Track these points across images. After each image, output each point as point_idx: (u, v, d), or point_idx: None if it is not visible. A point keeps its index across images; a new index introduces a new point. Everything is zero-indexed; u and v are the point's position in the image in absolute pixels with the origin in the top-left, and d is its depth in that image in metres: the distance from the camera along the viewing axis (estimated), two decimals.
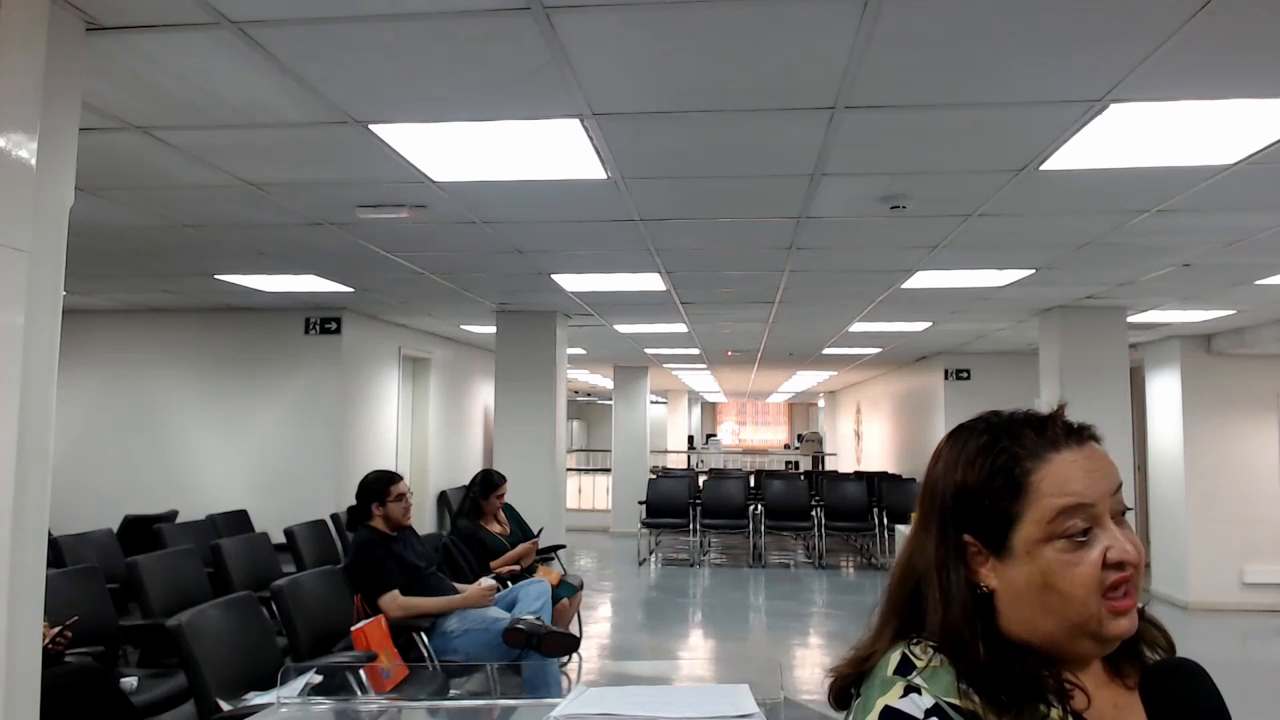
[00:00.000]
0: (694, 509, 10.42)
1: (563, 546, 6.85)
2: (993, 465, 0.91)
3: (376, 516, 4.28)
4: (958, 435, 0.97)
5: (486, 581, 4.36)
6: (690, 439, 23.19)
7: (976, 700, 0.85)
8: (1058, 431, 0.92)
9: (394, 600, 4.04)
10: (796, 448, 24.01)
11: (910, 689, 0.86)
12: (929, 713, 0.84)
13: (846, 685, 0.95)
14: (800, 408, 29.57)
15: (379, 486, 4.31)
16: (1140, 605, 0.93)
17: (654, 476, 11.94)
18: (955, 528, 0.93)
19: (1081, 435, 0.92)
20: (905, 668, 0.89)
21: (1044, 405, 0.97)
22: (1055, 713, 0.87)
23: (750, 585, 9.11)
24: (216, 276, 5.72)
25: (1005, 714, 0.84)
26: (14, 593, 1.88)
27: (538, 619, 4.16)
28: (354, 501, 4.40)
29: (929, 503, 0.96)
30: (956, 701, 0.85)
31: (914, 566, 0.96)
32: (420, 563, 4.30)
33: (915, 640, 0.92)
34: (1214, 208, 3.78)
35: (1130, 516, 0.94)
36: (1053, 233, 4.34)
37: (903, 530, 7.56)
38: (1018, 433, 0.92)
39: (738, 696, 2.01)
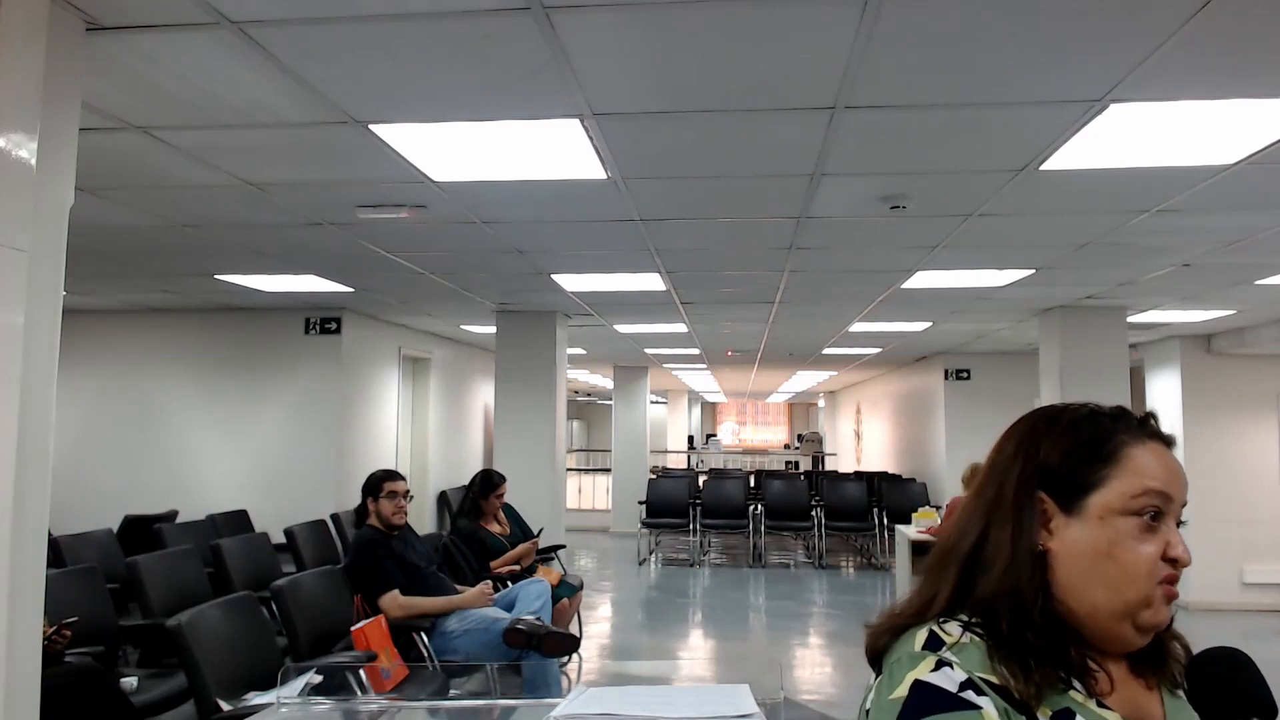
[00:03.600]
0: (694, 509, 10.41)
1: (563, 546, 6.85)
2: (1093, 434, 0.96)
3: (371, 513, 4.32)
4: (1048, 410, 1.01)
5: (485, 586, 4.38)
6: (690, 439, 23.19)
7: (1009, 675, 0.86)
8: (1154, 429, 0.97)
9: (394, 600, 4.05)
10: (796, 448, 24.01)
11: (942, 663, 0.87)
12: (963, 686, 0.84)
13: (891, 641, 0.94)
14: (800, 408, 29.56)
15: (376, 482, 4.37)
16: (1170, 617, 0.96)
17: (654, 476, 11.93)
18: (1035, 485, 0.95)
19: (1170, 443, 0.98)
20: (934, 644, 0.89)
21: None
22: (1077, 693, 0.88)
23: (750, 585, 9.11)
24: (216, 276, 5.72)
25: (1031, 683, 0.85)
26: (14, 593, 1.88)
27: (538, 619, 4.16)
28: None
29: (1006, 463, 0.98)
30: (988, 676, 0.86)
31: (976, 521, 0.97)
32: (420, 562, 4.31)
33: (943, 619, 0.92)
34: (1214, 208, 3.78)
35: None
36: (1053, 233, 4.34)
37: (903, 530, 7.56)
38: (1122, 416, 0.98)
39: (738, 696, 2.01)
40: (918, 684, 0.85)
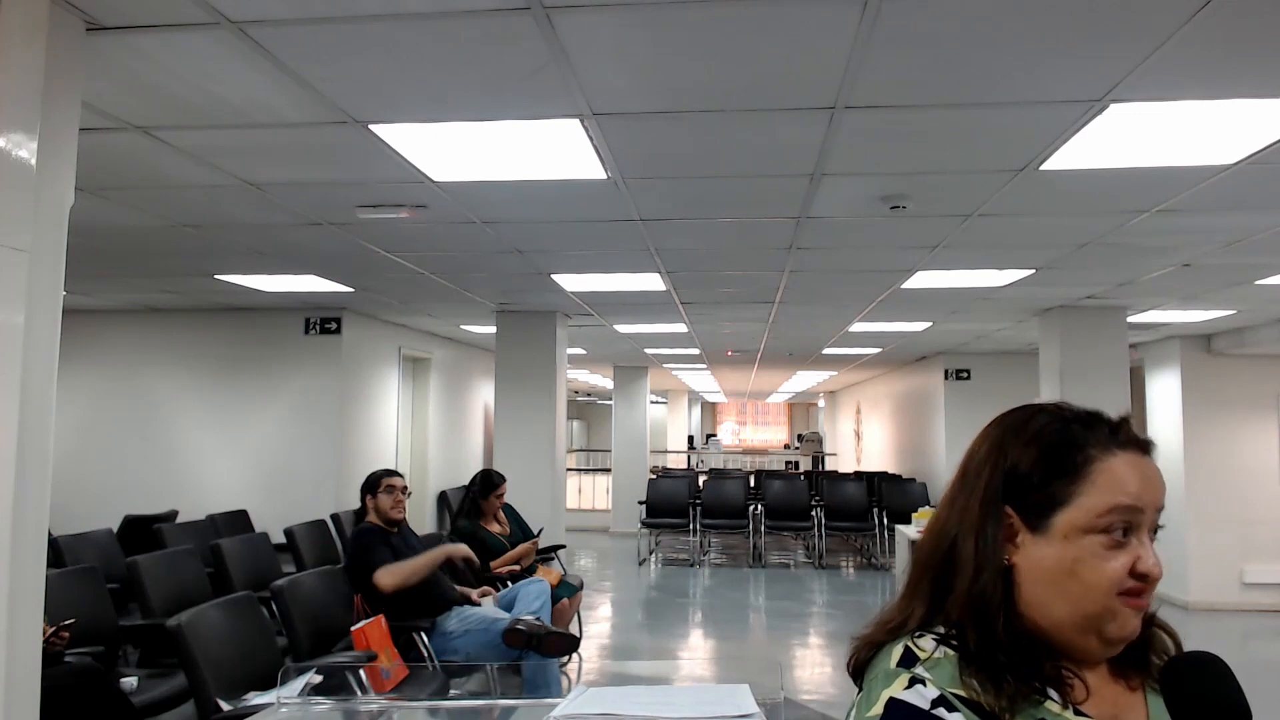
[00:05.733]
0: (694, 509, 10.42)
1: (563, 546, 6.86)
2: (1059, 445, 0.93)
3: (370, 510, 4.34)
4: (1020, 413, 0.99)
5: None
6: (690, 439, 23.19)
7: (979, 689, 0.85)
8: (1128, 435, 0.94)
9: (386, 572, 4.05)
10: (796, 448, 24.01)
11: (915, 680, 0.87)
12: (935, 703, 0.85)
13: (872, 656, 0.95)
14: (800, 408, 29.56)
15: (373, 479, 4.41)
16: (1152, 611, 0.95)
17: (654, 476, 11.93)
18: (1001, 498, 0.94)
19: (1146, 447, 0.95)
20: (908, 660, 0.90)
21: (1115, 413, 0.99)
22: (1053, 703, 0.87)
23: (750, 585, 9.11)
24: (216, 276, 5.72)
25: (1002, 694, 0.85)
26: (14, 593, 1.88)
27: (537, 619, 4.16)
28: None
29: (977, 471, 0.97)
30: (960, 691, 0.86)
31: (947, 531, 0.96)
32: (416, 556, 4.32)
33: (919, 633, 0.92)
34: (1214, 208, 3.78)
35: None
36: (1053, 233, 4.34)
37: (903, 530, 7.56)
38: (1092, 424, 0.94)
39: (738, 696, 2.01)
40: (892, 701, 0.86)
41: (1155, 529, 0.92)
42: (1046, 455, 0.93)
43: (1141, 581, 0.89)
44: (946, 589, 0.94)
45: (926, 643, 0.91)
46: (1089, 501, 0.90)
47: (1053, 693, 0.88)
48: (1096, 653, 0.91)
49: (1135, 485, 0.90)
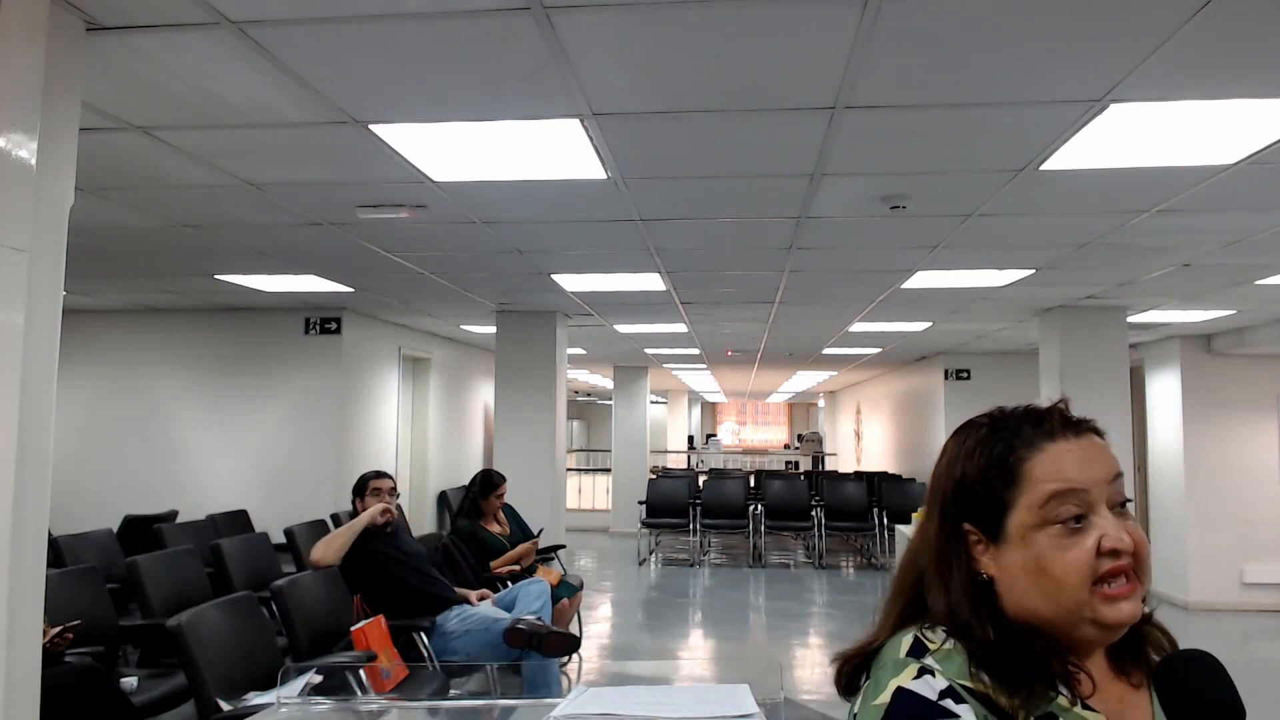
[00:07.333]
0: (694, 509, 10.41)
1: (563, 546, 6.86)
2: (990, 455, 0.94)
3: (359, 512, 4.36)
4: (963, 430, 1.00)
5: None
6: (690, 439, 23.19)
7: (988, 682, 0.85)
8: (1055, 423, 0.94)
9: (317, 548, 4.15)
10: (796, 448, 24.00)
11: (924, 671, 0.87)
12: (943, 694, 0.85)
13: (855, 670, 0.96)
14: (800, 408, 29.56)
15: (361, 481, 4.45)
16: (1149, 610, 0.94)
17: (654, 476, 11.93)
18: (955, 517, 0.95)
19: (1079, 427, 0.94)
20: (918, 650, 0.90)
21: (1046, 403, 0.99)
22: (1062, 698, 0.87)
23: (750, 585, 9.11)
24: (216, 276, 5.72)
25: (1015, 695, 0.85)
26: (14, 593, 1.88)
27: (538, 619, 4.16)
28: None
29: (934, 494, 0.99)
30: (969, 684, 0.86)
31: (919, 555, 0.98)
32: (411, 559, 4.32)
33: (928, 625, 0.93)
34: (1214, 208, 3.78)
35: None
36: (1053, 233, 4.34)
37: (903, 530, 7.56)
38: (1016, 425, 0.95)
39: (738, 696, 2.01)
40: (899, 691, 0.86)
41: (1121, 503, 0.91)
42: (985, 467, 0.94)
43: (1114, 558, 0.87)
44: (921, 610, 0.95)
45: (936, 634, 0.91)
46: (1028, 499, 0.90)
47: (1061, 688, 0.88)
48: (1096, 640, 0.91)
49: (1071, 470, 0.90)
